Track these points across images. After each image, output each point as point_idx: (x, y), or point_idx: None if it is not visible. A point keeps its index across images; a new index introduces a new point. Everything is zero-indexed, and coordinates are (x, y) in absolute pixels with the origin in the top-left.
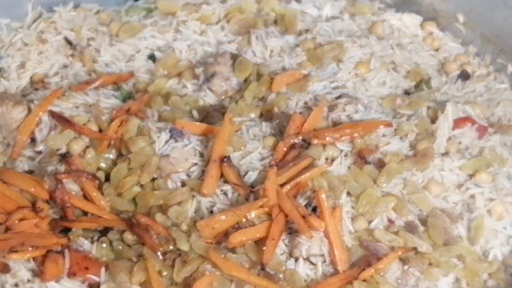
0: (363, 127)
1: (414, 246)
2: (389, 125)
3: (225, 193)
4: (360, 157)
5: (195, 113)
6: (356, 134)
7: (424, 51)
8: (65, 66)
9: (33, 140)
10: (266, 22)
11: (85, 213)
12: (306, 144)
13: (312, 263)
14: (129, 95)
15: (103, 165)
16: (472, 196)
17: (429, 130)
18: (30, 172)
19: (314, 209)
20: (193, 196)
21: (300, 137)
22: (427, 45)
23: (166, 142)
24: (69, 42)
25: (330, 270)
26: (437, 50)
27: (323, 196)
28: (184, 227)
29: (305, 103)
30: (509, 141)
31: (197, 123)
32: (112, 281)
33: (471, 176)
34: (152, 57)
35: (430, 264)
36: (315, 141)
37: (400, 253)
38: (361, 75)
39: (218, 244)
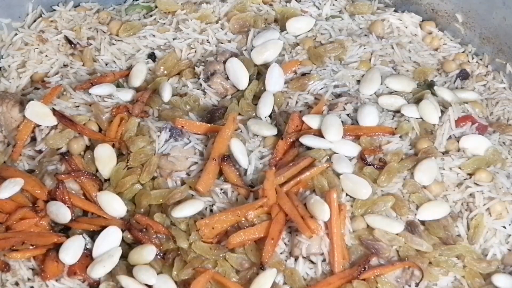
0: (365, 132)
1: (415, 248)
2: (392, 132)
3: (225, 192)
4: (361, 159)
5: (195, 111)
6: (361, 133)
7: (423, 51)
8: (65, 65)
9: (33, 139)
10: (266, 21)
11: (85, 213)
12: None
13: (312, 262)
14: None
15: None
16: (472, 195)
17: (429, 129)
18: (31, 171)
19: None
20: (192, 195)
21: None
22: (426, 45)
23: (166, 141)
24: (69, 41)
25: (329, 269)
26: (436, 49)
27: (334, 196)
28: (183, 226)
29: (306, 102)
30: (508, 140)
31: (197, 122)
32: (111, 280)
33: (470, 175)
34: (152, 56)
35: (430, 263)
36: None
37: (407, 266)
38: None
39: (218, 244)
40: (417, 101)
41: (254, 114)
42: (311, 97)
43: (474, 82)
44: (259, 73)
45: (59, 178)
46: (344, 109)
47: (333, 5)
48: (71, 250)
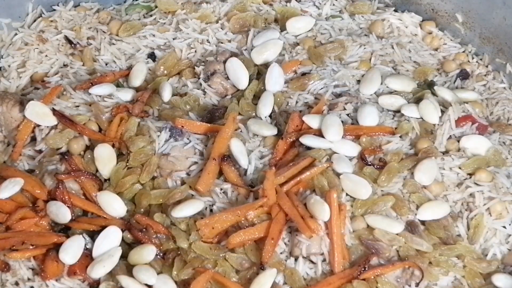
0: (365, 132)
1: (415, 248)
2: (392, 132)
3: (225, 192)
4: (361, 158)
5: (195, 111)
6: (361, 133)
7: (423, 51)
8: (65, 65)
9: (33, 139)
10: (266, 21)
11: (85, 213)
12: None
13: (312, 262)
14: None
15: None
16: (472, 195)
17: (429, 129)
18: (31, 171)
19: None
20: (192, 195)
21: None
22: (426, 45)
23: (166, 141)
24: (69, 41)
25: (330, 269)
26: (436, 49)
27: (335, 196)
28: (183, 226)
29: (306, 102)
30: (508, 140)
31: (197, 122)
32: (111, 280)
33: (471, 175)
34: (152, 56)
35: (430, 263)
36: None
37: (407, 266)
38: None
39: (218, 244)
40: (417, 101)
41: (254, 114)
42: (311, 97)
43: (474, 82)
44: (259, 73)
45: (59, 178)
46: (344, 109)
47: (333, 5)
48: (71, 250)
